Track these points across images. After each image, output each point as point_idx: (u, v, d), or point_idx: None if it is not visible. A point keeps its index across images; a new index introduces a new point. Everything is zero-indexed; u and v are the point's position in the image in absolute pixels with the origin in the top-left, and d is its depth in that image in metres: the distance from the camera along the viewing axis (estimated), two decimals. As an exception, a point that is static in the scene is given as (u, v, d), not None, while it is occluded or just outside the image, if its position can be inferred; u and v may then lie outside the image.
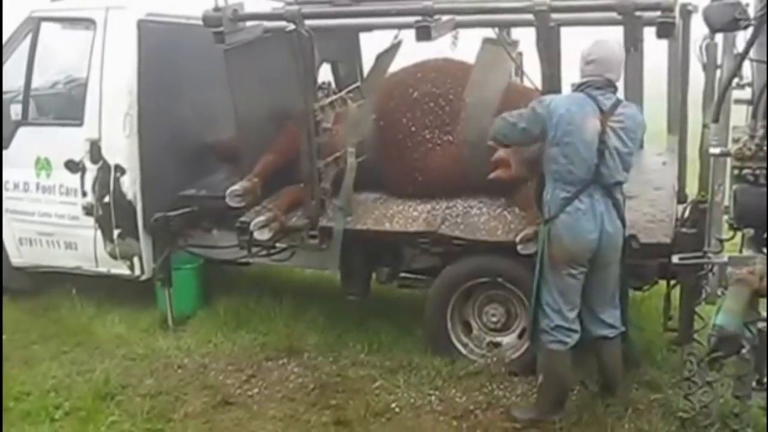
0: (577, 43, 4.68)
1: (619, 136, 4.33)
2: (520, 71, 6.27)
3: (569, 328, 4.52)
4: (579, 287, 4.50)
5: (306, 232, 5.57)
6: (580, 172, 4.34)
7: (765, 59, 3.93)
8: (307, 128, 5.38)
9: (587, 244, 4.38)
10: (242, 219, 5.71)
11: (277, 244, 5.83)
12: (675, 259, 4.55)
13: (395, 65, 6.04)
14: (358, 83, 6.21)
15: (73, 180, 6.34)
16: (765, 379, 4.11)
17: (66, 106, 6.80)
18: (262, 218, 5.56)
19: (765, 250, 3.83)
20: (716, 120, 4.30)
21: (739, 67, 4.13)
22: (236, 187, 5.68)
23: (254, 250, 5.87)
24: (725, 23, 3.98)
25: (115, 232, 6.29)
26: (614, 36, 4.69)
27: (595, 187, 4.37)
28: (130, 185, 6.18)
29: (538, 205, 4.66)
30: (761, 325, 3.93)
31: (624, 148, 4.37)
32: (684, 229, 4.97)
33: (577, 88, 4.46)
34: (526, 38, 5.48)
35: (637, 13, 4.62)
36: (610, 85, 4.41)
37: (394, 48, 5.88)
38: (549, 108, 4.40)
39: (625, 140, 4.36)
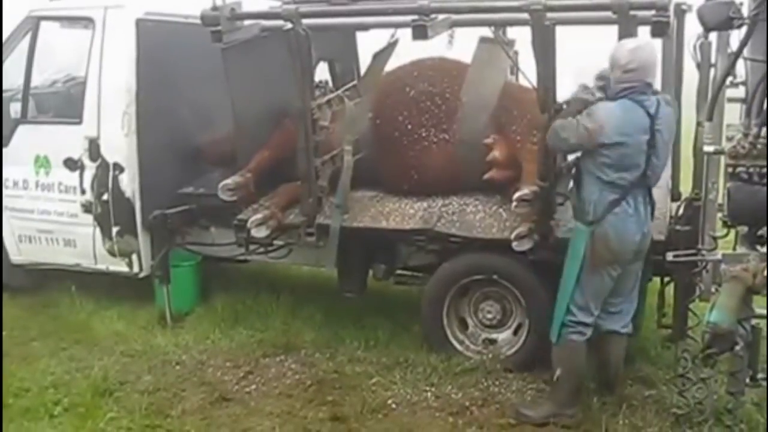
0: (575, 43, 4.69)
1: (663, 136, 4.30)
2: (516, 70, 6.29)
3: (589, 323, 4.57)
4: (612, 287, 4.54)
5: (303, 230, 5.59)
6: (631, 176, 4.31)
7: (759, 58, 3.96)
8: (305, 126, 5.39)
9: (633, 245, 4.39)
10: (240, 217, 5.74)
11: (275, 242, 5.86)
12: (669, 256, 4.57)
13: (392, 64, 6.06)
14: (355, 82, 6.23)
15: (72, 178, 6.36)
16: (759, 376, 4.14)
17: (65, 104, 6.84)
18: (259, 216, 5.59)
19: (759, 247, 3.85)
20: (710, 118, 4.34)
21: (733, 65, 4.16)
22: (228, 181, 5.70)
23: (252, 247, 5.90)
24: (719, 22, 4.01)
25: (114, 230, 6.32)
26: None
27: (641, 189, 4.37)
28: (129, 183, 6.21)
29: (575, 206, 4.60)
30: (755, 321, 3.96)
31: (666, 146, 4.40)
32: (678, 227, 4.98)
33: (621, 94, 4.33)
34: (521, 37, 5.50)
35: (632, 12, 4.63)
36: (650, 87, 4.37)
37: (390, 47, 5.90)
38: (600, 119, 4.28)
39: (667, 139, 4.37)
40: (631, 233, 4.36)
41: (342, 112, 5.70)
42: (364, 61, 6.80)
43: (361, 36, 6.92)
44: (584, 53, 7.71)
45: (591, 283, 4.47)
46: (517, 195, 4.95)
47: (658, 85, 5.86)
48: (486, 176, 5.43)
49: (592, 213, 4.39)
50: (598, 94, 4.48)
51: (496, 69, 5.75)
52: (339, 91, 5.86)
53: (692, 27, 4.69)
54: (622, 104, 4.30)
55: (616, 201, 4.33)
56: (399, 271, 5.89)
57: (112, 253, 6.38)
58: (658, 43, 5.35)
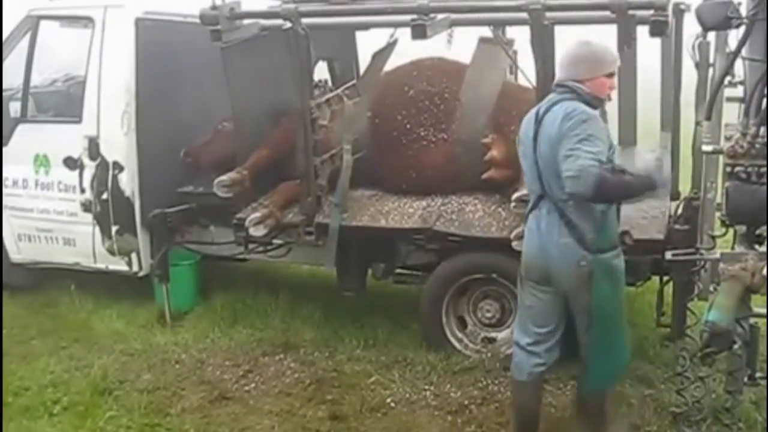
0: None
1: (545, 142, 3.81)
2: (514, 69, 6.30)
3: (529, 350, 4.12)
4: (537, 311, 4.09)
5: (302, 229, 5.60)
6: (530, 185, 4.01)
7: (757, 57, 3.96)
8: (304, 125, 5.40)
9: (531, 261, 4.01)
10: (239, 215, 5.74)
11: (274, 241, 5.86)
12: (668, 255, 4.57)
13: (391, 64, 6.06)
14: (354, 81, 6.23)
15: (71, 177, 6.37)
16: (757, 375, 4.15)
17: (64, 103, 6.85)
18: (257, 215, 5.59)
19: (758, 246, 3.86)
20: (709, 118, 4.33)
21: (731, 65, 4.16)
22: (224, 177, 5.70)
23: (251, 246, 5.90)
24: (718, 21, 4.01)
25: (113, 229, 6.33)
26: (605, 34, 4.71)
27: (544, 202, 3.91)
28: (128, 182, 6.22)
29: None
30: (753, 320, 3.97)
31: (548, 154, 3.79)
32: (677, 226, 5.00)
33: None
34: (520, 37, 5.51)
35: (631, 12, 4.64)
36: (564, 87, 3.91)
37: (390, 46, 5.90)
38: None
39: (548, 145, 3.78)
40: (530, 249, 4.01)
41: (341, 111, 5.71)
42: (364, 60, 6.81)
43: (360, 35, 6.92)
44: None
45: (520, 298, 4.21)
46: (515, 195, 4.96)
47: (651, 88, 5.92)
48: (484, 176, 5.45)
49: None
50: None
51: (495, 69, 5.76)
52: (338, 91, 5.87)
53: (691, 27, 4.69)
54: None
55: (527, 213, 4.07)
56: (398, 270, 5.88)
57: (111, 252, 6.39)
58: (656, 42, 5.38)
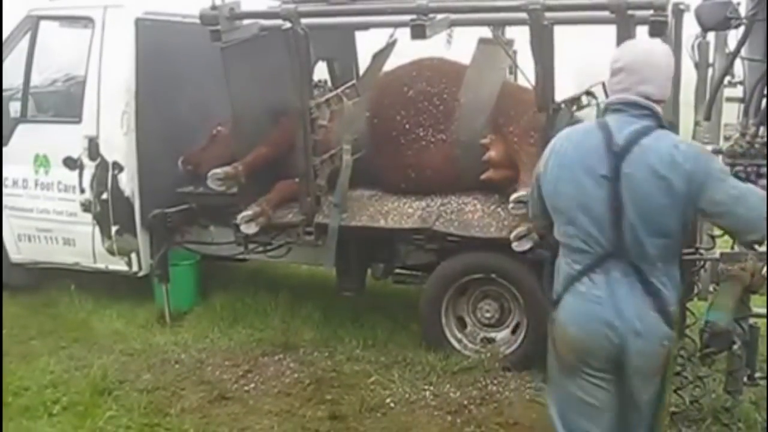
0: (573, 43, 4.67)
1: (634, 185, 2.86)
2: (514, 70, 6.30)
3: None
4: (584, 408, 3.11)
5: (302, 229, 5.61)
6: (578, 232, 2.97)
7: (757, 57, 3.97)
8: (303, 125, 5.41)
9: (600, 344, 2.97)
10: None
11: (274, 241, 5.87)
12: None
13: (390, 64, 6.07)
14: (354, 81, 6.24)
15: (71, 177, 6.38)
16: (756, 375, 4.15)
17: (64, 103, 6.85)
18: (248, 213, 5.61)
19: (757, 246, 3.86)
20: (708, 118, 4.34)
21: (730, 65, 4.16)
22: (218, 170, 5.69)
23: (250, 246, 5.91)
24: (717, 22, 4.02)
25: (113, 229, 6.33)
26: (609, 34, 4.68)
27: (614, 260, 2.94)
28: (128, 182, 6.23)
29: (546, 282, 3.31)
30: (752, 320, 3.98)
31: (643, 201, 2.86)
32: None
33: (600, 114, 3.20)
34: (520, 37, 5.51)
35: (630, 12, 4.65)
36: (639, 106, 2.94)
37: (389, 47, 5.91)
38: (545, 154, 3.15)
39: (643, 191, 2.85)
40: (594, 325, 2.96)
41: (340, 111, 5.71)
42: (363, 60, 6.81)
43: (359, 35, 6.92)
44: (583, 53, 7.73)
45: (555, 393, 3.24)
46: (513, 197, 4.97)
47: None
48: (483, 176, 5.45)
49: (555, 290, 3.15)
50: None
51: (495, 70, 5.77)
52: (338, 91, 5.87)
53: (690, 27, 4.69)
54: (579, 126, 3.28)
55: (575, 276, 3.02)
56: (397, 270, 5.92)
57: (111, 252, 6.39)
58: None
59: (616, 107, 2.99)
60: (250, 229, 5.60)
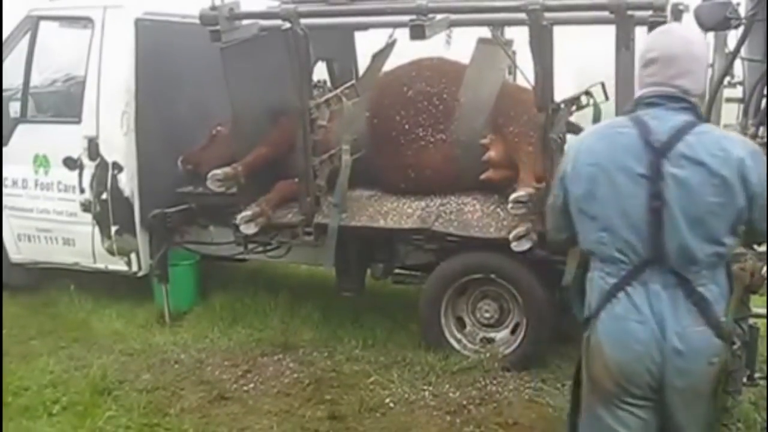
0: (573, 43, 4.66)
1: (679, 184, 2.57)
2: (513, 70, 6.30)
3: None
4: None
5: (301, 229, 5.61)
6: (614, 240, 2.66)
7: (756, 58, 3.97)
8: (303, 126, 5.41)
9: (641, 367, 2.65)
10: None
11: (273, 241, 5.87)
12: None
13: (390, 64, 6.07)
14: (353, 81, 6.24)
15: (71, 177, 6.38)
16: (756, 375, 4.15)
17: (64, 103, 6.85)
18: (248, 213, 5.61)
19: (756, 246, 3.86)
20: (708, 119, 4.34)
21: (730, 65, 4.17)
22: (218, 171, 5.68)
23: (250, 246, 5.92)
24: (716, 22, 4.03)
25: (113, 229, 6.34)
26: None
27: (653, 272, 2.64)
28: (128, 182, 6.23)
29: (574, 298, 3.01)
30: (752, 321, 3.98)
31: (691, 205, 2.57)
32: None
33: (630, 108, 2.80)
34: (519, 37, 5.51)
35: (629, 12, 4.65)
36: (677, 99, 2.67)
37: (389, 47, 5.91)
38: (570, 154, 2.86)
39: (699, 190, 2.57)
40: (634, 346, 2.64)
41: (340, 111, 5.71)
42: (363, 60, 6.81)
43: (359, 36, 6.93)
44: (582, 53, 7.72)
45: (586, 421, 2.90)
46: (512, 197, 4.97)
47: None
48: (482, 176, 5.46)
49: (588, 306, 2.83)
50: None
51: (494, 70, 5.76)
52: (337, 91, 5.87)
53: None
54: (607, 124, 2.90)
55: (610, 291, 2.70)
56: (397, 270, 5.92)
57: (110, 252, 6.39)
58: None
59: (650, 100, 2.69)
60: (249, 229, 5.61)
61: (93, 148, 6.26)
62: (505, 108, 5.54)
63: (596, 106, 5.04)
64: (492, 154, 5.41)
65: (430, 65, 5.90)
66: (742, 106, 4.30)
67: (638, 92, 2.76)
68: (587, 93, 5.13)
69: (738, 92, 4.36)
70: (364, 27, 6.16)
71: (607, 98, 5.09)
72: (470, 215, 5.44)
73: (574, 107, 5.13)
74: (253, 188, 5.82)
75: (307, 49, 5.37)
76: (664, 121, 2.63)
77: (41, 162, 6.47)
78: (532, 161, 5.22)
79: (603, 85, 5.15)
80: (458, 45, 5.97)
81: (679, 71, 2.66)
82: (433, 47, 5.67)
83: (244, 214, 5.60)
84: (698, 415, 2.73)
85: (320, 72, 6.77)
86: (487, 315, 5.51)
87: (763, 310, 4.12)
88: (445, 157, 5.62)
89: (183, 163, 6.43)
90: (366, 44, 6.77)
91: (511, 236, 5.02)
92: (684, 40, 2.73)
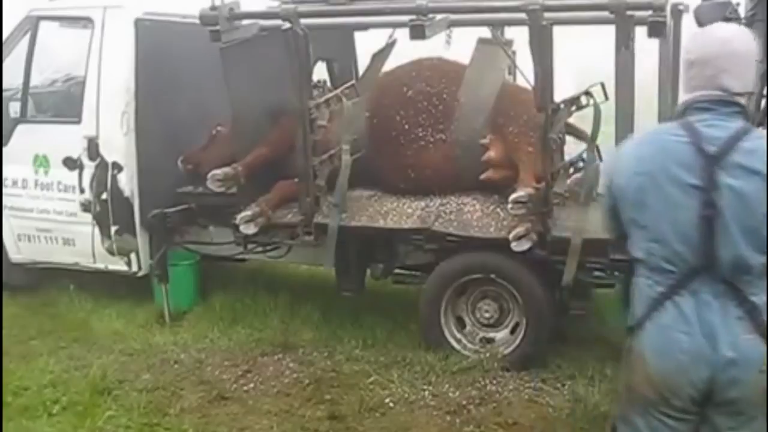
0: (573, 43, 4.65)
1: (741, 193, 2.49)
2: (513, 70, 6.30)
3: None
4: None
5: (301, 229, 5.61)
6: (664, 251, 2.59)
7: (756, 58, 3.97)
8: (303, 126, 5.41)
9: (686, 379, 2.56)
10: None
11: (273, 241, 5.88)
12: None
13: (390, 64, 6.08)
14: (353, 81, 6.24)
15: (71, 177, 6.38)
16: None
17: (64, 103, 6.85)
18: (248, 213, 5.61)
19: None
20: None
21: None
22: (218, 171, 5.69)
23: (250, 246, 5.92)
24: (716, 22, 4.02)
25: (113, 229, 6.34)
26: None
27: (704, 281, 2.56)
28: (128, 182, 6.23)
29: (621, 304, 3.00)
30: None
31: (747, 216, 2.50)
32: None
33: (678, 114, 2.69)
34: (519, 37, 5.52)
35: (629, 12, 4.65)
36: (728, 104, 2.57)
37: (388, 47, 5.91)
38: (618, 162, 2.78)
39: (754, 200, 2.49)
40: (681, 358, 2.56)
41: (340, 111, 5.71)
42: (363, 60, 6.81)
43: (359, 36, 6.93)
44: (582, 53, 7.73)
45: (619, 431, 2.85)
46: (512, 197, 4.97)
47: (649, 89, 5.87)
48: (482, 176, 5.46)
49: (633, 314, 2.75)
50: None
51: (494, 70, 5.77)
52: (337, 91, 5.88)
53: (689, 27, 4.70)
54: (654, 131, 2.75)
55: (657, 299, 2.63)
56: (397, 270, 5.92)
57: (110, 252, 6.39)
58: (654, 43, 5.38)
59: (701, 105, 2.59)
60: (249, 229, 5.61)
61: (93, 148, 6.26)
62: (505, 108, 5.54)
63: (596, 106, 5.04)
64: (492, 154, 5.41)
65: (430, 65, 5.90)
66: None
67: (683, 96, 2.70)
68: (587, 93, 5.13)
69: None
70: (364, 27, 6.16)
71: (607, 98, 5.09)
72: (470, 215, 5.44)
73: (574, 107, 5.12)
74: (253, 188, 5.82)
75: (307, 49, 5.37)
76: (716, 128, 2.55)
77: (41, 162, 6.47)
78: (532, 161, 5.22)
79: (603, 85, 5.16)
80: (458, 45, 5.97)
81: (717, 71, 2.57)
82: (433, 47, 5.67)
83: (243, 214, 5.60)
84: (748, 428, 2.63)
85: (320, 72, 6.78)
86: (486, 315, 5.52)
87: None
88: (445, 157, 5.62)
89: (183, 163, 6.43)
90: (366, 44, 6.77)
91: (510, 236, 5.02)
92: (720, 39, 2.62)
